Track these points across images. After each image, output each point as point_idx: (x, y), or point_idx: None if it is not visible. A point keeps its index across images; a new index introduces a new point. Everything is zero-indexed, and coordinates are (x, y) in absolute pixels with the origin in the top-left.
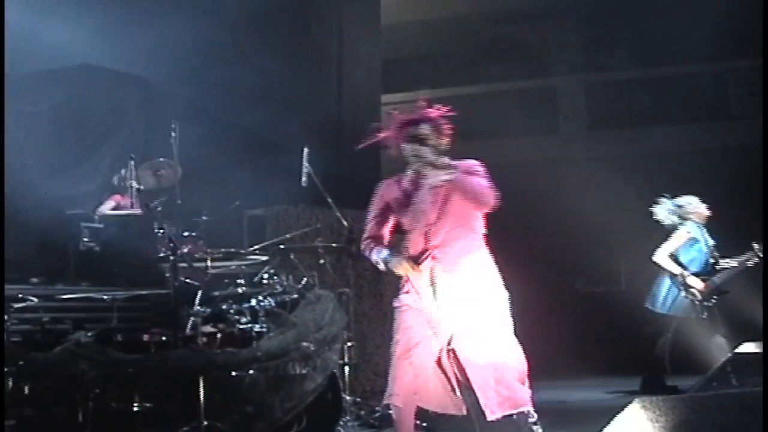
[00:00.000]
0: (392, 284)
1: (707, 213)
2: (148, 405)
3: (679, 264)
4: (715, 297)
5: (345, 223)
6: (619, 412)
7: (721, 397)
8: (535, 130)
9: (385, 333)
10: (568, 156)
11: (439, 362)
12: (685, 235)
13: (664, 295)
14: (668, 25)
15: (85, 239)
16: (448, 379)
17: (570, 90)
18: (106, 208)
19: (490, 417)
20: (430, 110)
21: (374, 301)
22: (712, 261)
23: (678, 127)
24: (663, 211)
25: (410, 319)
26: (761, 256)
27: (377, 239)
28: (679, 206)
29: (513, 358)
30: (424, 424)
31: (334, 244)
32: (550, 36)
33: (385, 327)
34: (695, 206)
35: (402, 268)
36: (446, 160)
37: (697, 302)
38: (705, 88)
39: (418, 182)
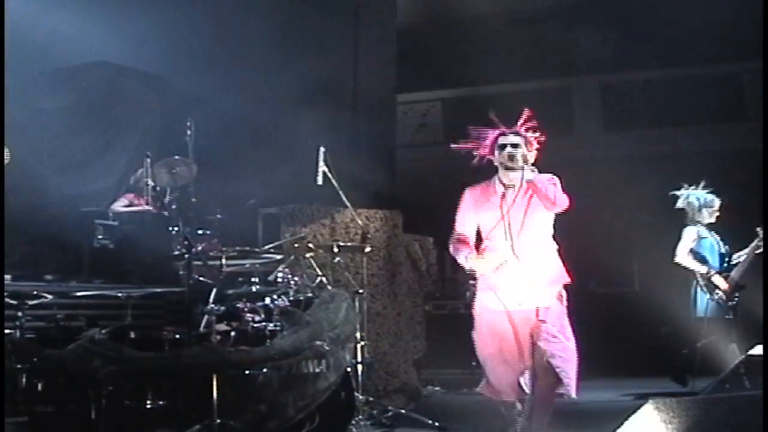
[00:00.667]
0: (406, 284)
1: (717, 212)
2: (161, 402)
3: (704, 262)
4: (736, 295)
5: (359, 222)
6: (632, 414)
7: (734, 399)
8: (550, 131)
9: (398, 332)
10: (582, 156)
11: (522, 353)
12: (693, 233)
13: (698, 298)
14: (684, 26)
15: (99, 236)
16: (532, 367)
17: (585, 90)
18: (120, 205)
19: (575, 395)
20: (521, 123)
21: (388, 301)
22: (726, 257)
23: (693, 128)
24: (684, 201)
25: (491, 318)
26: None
27: (463, 241)
28: (697, 200)
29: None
30: (437, 424)
31: (348, 243)
32: (566, 36)
33: (398, 326)
34: (709, 204)
35: (484, 268)
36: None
37: (722, 302)
38: (720, 89)
39: (504, 189)
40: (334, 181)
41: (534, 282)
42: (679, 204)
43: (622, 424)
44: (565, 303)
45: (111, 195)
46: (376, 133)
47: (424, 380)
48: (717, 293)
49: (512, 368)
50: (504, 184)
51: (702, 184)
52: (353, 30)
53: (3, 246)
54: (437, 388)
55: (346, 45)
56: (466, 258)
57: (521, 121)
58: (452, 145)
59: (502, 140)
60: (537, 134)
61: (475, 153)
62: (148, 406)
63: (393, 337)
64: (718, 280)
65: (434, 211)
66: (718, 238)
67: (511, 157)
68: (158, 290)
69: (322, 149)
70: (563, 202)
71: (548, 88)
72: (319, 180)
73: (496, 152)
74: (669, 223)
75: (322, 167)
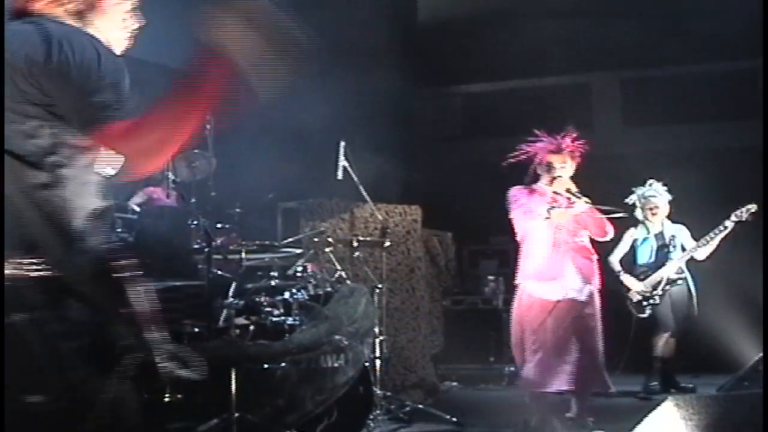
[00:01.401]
0: (424, 279)
1: (657, 208)
2: (179, 396)
3: (634, 262)
4: (658, 293)
5: (379, 217)
6: (652, 410)
7: (753, 396)
8: (569, 126)
9: (416, 327)
10: (602, 152)
11: (564, 348)
12: (628, 234)
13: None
14: (704, 21)
15: (119, 230)
16: (573, 361)
17: (605, 86)
18: (138, 199)
19: (612, 390)
20: (568, 135)
21: (406, 296)
22: (664, 252)
23: (713, 125)
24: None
25: (533, 306)
26: (742, 219)
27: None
28: (637, 198)
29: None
30: (454, 419)
31: (368, 238)
32: (586, 32)
33: (416, 321)
34: (644, 203)
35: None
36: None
37: (630, 301)
38: (740, 86)
39: (539, 191)
40: (354, 176)
41: (578, 275)
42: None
43: (641, 420)
44: (597, 300)
45: (130, 189)
46: (396, 127)
47: (442, 375)
48: (630, 291)
49: (550, 359)
50: (551, 188)
51: (649, 182)
52: (374, 24)
53: (3, 245)
54: (455, 384)
55: (366, 39)
56: (548, 210)
57: (570, 139)
58: (507, 159)
59: (552, 158)
60: (581, 148)
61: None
62: (167, 400)
63: (411, 332)
64: (627, 280)
65: (453, 206)
66: (669, 235)
67: (557, 179)
68: (177, 284)
69: (342, 144)
70: (610, 230)
71: (568, 84)
72: (339, 174)
73: (545, 166)
74: (689, 217)
75: (343, 162)
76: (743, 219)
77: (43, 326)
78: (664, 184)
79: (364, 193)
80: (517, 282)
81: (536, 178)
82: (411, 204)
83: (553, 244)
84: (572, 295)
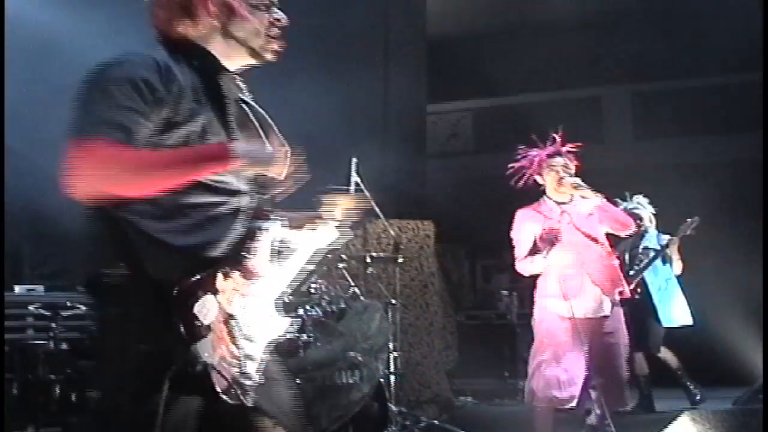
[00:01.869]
0: (438, 294)
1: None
2: None
3: None
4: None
5: (392, 232)
6: (668, 425)
7: None
8: (580, 140)
9: (430, 343)
10: (613, 165)
11: (583, 367)
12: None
13: None
14: (715, 34)
15: None
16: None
17: (616, 99)
18: None
19: (629, 408)
20: (563, 144)
21: (420, 311)
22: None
23: (725, 137)
24: None
25: (555, 325)
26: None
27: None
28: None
29: None
30: None
31: (381, 254)
32: (596, 46)
33: (430, 337)
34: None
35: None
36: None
37: None
38: (752, 98)
39: (560, 206)
40: (366, 192)
41: (598, 291)
42: None
43: None
44: (620, 312)
45: None
46: (407, 143)
47: (457, 391)
48: None
49: (569, 377)
50: (557, 202)
51: (628, 195)
52: (383, 40)
53: (3, 247)
54: (470, 399)
55: (376, 55)
56: (544, 257)
57: (561, 140)
58: (510, 167)
59: (551, 162)
60: (575, 149)
61: (522, 172)
62: None
63: (425, 348)
64: None
65: (466, 221)
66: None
67: (563, 179)
68: None
69: (354, 159)
70: (630, 222)
71: (579, 98)
72: (352, 190)
73: (547, 172)
74: (702, 231)
75: (355, 177)
76: (687, 233)
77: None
78: (645, 196)
79: (377, 209)
80: (536, 300)
81: (542, 190)
82: (423, 219)
83: (570, 264)
84: (592, 314)
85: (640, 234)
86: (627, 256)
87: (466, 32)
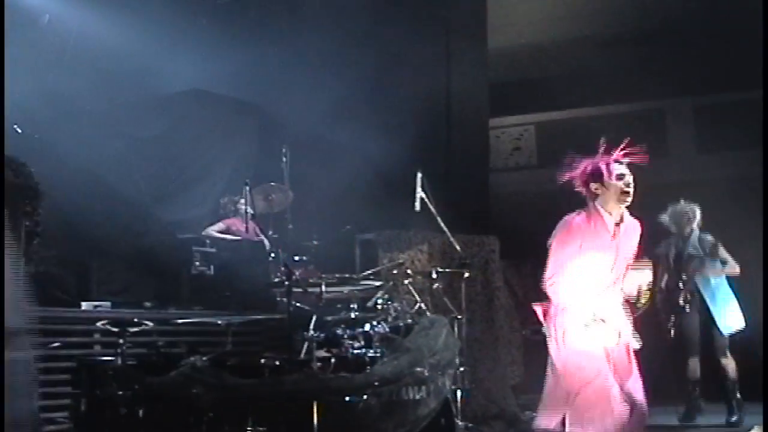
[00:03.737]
0: (503, 309)
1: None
2: (261, 429)
3: None
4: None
5: (457, 247)
6: None
7: None
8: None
9: (496, 358)
10: (677, 179)
11: (609, 390)
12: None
13: None
14: None
15: (197, 263)
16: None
17: (679, 112)
18: (214, 229)
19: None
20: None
21: (485, 326)
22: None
23: None
24: None
25: (580, 355)
26: None
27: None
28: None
29: None
30: None
31: (446, 269)
32: (657, 58)
33: (496, 352)
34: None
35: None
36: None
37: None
38: None
39: (600, 221)
40: (431, 207)
41: (627, 318)
42: None
43: None
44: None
45: (207, 222)
46: (471, 157)
47: (523, 406)
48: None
49: (599, 407)
50: (611, 213)
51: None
52: (445, 55)
53: (3, 247)
54: (536, 414)
55: (438, 70)
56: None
57: (625, 150)
58: (563, 176)
59: (618, 169)
60: (640, 161)
61: (577, 181)
62: None
63: (491, 363)
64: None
65: (530, 236)
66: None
67: (629, 189)
68: (259, 317)
69: (419, 175)
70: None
71: (641, 111)
72: (417, 206)
73: (613, 181)
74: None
75: (420, 193)
76: None
77: None
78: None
79: (442, 224)
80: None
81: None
82: (488, 234)
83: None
84: (625, 340)
85: (684, 237)
86: (671, 260)
87: (527, 46)
